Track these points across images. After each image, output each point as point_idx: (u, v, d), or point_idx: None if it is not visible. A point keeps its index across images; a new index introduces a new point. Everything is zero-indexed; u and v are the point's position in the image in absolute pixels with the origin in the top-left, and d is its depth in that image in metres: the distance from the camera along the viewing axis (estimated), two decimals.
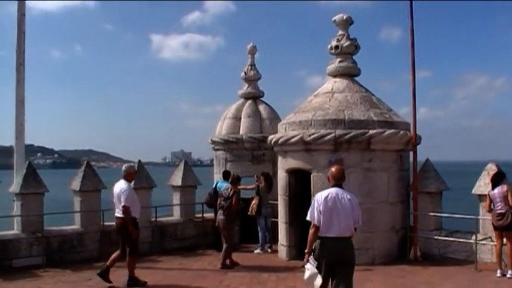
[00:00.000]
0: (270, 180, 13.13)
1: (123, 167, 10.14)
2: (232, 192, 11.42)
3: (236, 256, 11.54)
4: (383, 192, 11.45)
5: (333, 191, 6.79)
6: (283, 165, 12.18)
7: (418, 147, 11.86)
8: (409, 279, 10.01)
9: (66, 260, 11.62)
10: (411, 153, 11.96)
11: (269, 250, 12.82)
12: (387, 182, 11.51)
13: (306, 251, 6.83)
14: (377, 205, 11.33)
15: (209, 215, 13.77)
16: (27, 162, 12.19)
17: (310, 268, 6.70)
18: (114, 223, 12.58)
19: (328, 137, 11.13)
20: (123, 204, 9.42)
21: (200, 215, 13.73)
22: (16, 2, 13.36)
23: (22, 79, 13.27)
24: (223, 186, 12.77)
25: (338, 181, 6.91)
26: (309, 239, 6.79)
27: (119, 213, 9.64)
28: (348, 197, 6.80)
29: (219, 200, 11.64)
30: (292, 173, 11.92)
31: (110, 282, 9.70)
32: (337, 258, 6.59)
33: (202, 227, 13.52)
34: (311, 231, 6.73)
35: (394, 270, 10.69)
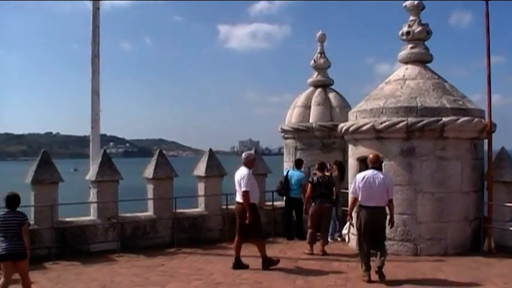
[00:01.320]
0: (343, 169, 13.00)
1: (243, 155, 10.55)
2: (331, 180, 11.63)
3: (306, 244, 11.55)
4: (456, 182, 11.18)
5: (370, 172, 9.14)
6: (354, 153, 12.08)
7: (492, 135, 11.54)
8: (483, 271, 9.74)
9: (140, 246, 11.94)
10: (485, 141, 11.64)
11: (339, 239, 12.76)
12: (461, 171, 11.24)
13: (348, 212, 9.64)
14: (450, 194, 11.10)
15: (279, 203, 13.83)
16: (102, 151, 12.57)
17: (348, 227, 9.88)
18: (185, 210, 12.95)
19: (400, 125, 10.97)
20: (243, 189, 9.78)
21: (270, 203, 13.76)
22: None
23: (97, 71, 13.72)
24: (295, 174, 12.81)
25: (374, 164, 9.25)
26: (349, 206, 9.66)
27: (239, 199, 10.01)
28: (381, 176, 9.12)
29: (312, 188, 11.40)
30: (363, 161, 11.75)
31: (247, 266, 10.07)
32: (373, 221, 8.96)
33: (272, 215, 13.56)
34: (351, 201, 9.51)
35: (468, 262, 10.44)
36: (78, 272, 9.92)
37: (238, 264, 10.02)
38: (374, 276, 8.89)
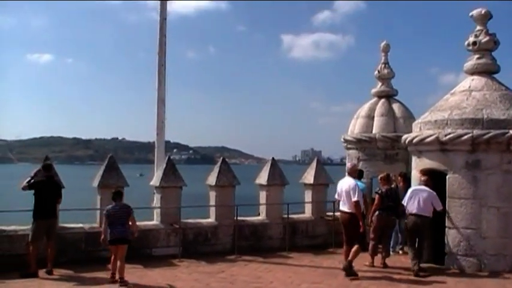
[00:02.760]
0: (408, 180, 12.74)
1: (349, 165, 11.37)
2: (397, 192, 11.73)
3: (367, 257, 11.44)
4: None
5: (419, 187, 11.07)
6: (418, 165, 11.88)
7: None
8: None
9: (201, 252, 12.08)
10: None
11: (400, 252, 12.58)
12: None
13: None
14: None
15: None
16: (167, 157, 12.83)
17: None
18: (247, 218, 13.05)
19: (466, 137, 10.76)
20: (356, 199, 10.15)
21: (331, 213, 13.63)
22: (158, 8, 14.24)
23: (163, 79, 14.06)
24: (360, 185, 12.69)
25: (424, 182, 11.05)
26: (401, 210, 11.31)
27: (346, 208, 10.37)
28: (426, 189, 10.86)
29: (380, 199, 11.32)
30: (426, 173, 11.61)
31: (356, 275, 10.28)
32: (417, 226, 10.82)
33: (333, 225, 13.43)
34: (403, 208, 11.17)
35: None
36: (141, 275, 10.15)
37: (350, 268, 10.31)
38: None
